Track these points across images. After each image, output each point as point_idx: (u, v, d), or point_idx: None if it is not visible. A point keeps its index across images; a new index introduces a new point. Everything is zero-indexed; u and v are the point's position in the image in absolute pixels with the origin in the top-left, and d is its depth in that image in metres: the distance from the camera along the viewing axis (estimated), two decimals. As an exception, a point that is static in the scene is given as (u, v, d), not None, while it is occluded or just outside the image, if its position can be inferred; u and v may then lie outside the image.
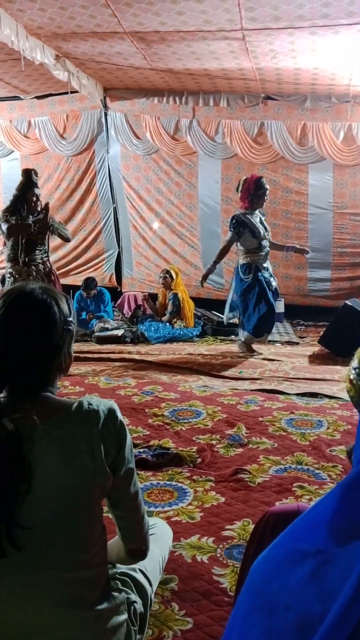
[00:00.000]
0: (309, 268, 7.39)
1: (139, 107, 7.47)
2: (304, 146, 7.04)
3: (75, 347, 5.45)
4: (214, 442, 2.97)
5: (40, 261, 4.96)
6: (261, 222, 5.17)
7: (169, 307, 6.69)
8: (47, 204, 4.96)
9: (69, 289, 7.14)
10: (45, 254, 5.03)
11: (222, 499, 2.31)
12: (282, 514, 1.04)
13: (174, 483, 2.47)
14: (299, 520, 0.65)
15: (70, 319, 1.18)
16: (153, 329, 6.38)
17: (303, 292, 7.49)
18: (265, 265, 5.16)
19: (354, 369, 0.88)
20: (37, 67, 6.07)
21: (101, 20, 4.82)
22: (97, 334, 6.25)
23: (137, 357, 5.28)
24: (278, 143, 7.06)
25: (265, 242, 5.13)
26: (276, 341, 6.15)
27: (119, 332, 6.17)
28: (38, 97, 7.60)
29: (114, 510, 1.24)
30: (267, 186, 5.19)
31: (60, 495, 1.09)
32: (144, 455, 2.68)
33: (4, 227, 4.84)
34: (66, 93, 6.96)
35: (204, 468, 2.64)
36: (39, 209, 4.91)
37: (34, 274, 4.89)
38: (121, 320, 6.78)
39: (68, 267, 8.20)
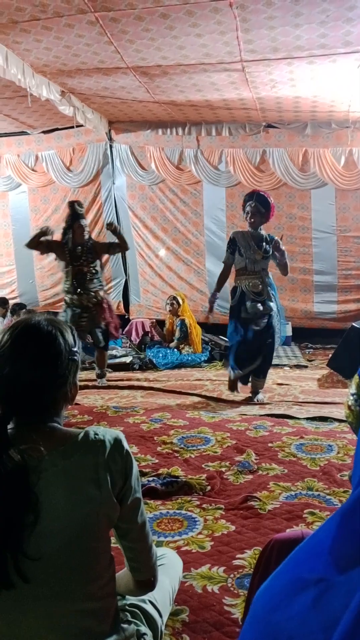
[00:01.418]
0: (315, 291, 7.41)
1: (143, 139, 7.61)
2: (306, 172, 7.12)
3: (84, 375, 5.46)
4: (223, 469, 2.94)
5: (93, 291, 5.03)
6: (260, 242, 4.47)
7: (177, 333, 6.70)
8: (89, 236, 5.06)
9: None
10: (100, 284, 5.12)
11: (233, 527, 2.28)
12: (287, 541, 1.03)
13: (183, 512, 2.44)
14: (301, 547, 0.65)
15: (76, 349, 1.19)
16: (161, 355, 6.39)
17: (310, 315, 7.49)
18: (256, 291, 4.48)
19: (352, 395, 0.89)
20: (43, 103, 6.23)
21: (105, 56, 4.96)
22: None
23: (145, 384, 5.28)
24: (280, 170, 7.15)
25: (252, 264, 4.46)
26: (284, 365, 6.13)
27: (127, 359, 6.18)
28: (45, 132, 7.78)
29: (121, 540, 1.23)
30: (254, 204, 4.46)
31: (67, 526, 1.09)
32: (152, 484, 2.66)
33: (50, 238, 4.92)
34: (72, 127, 7.12)
35: (213, 496, 2.61)
36: (86, 239, 4.99)
37: (85, 302, 5.00)
38: (129, 347, 6.79)
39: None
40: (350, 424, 0.91)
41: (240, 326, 4.49)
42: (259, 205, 4.45)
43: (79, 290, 4.97)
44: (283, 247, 4.49)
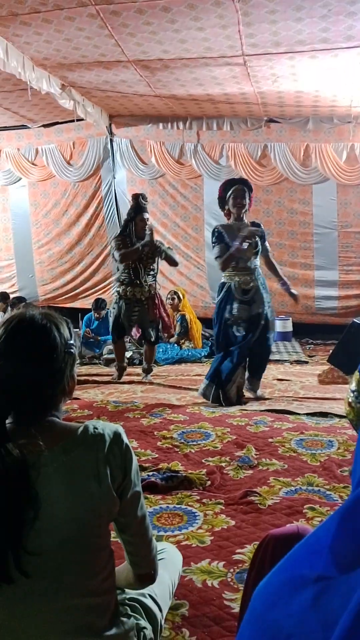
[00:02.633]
0: (316, 286, 7.40)
1: (144, 133, 7.59)
2: (307, 167, 7.10)
3: (84, 369, 5.47)
4: (223, 464, 2.94)
5: (147, 284, 5.08)
6: (249, 236, 4.18)
7: (177, 329, 6.70)
8: (151, 228, 5.06)
9: (77, 313, 7.18)
10: (154, 278, 5.16)
11: (232, 522, 2.28)
12: (282, 536, 1.03)
13: (183, 506, 2.44)
14: (300, 545, 0.65)
15: (72, 342, 1.19)
16: (161, 350, 6.39)
17: (311, 310, 7.48)
18: (246, 288, 4.23)
19: (352, 392, 0.88)
20: (43, 97, 6.21)
21: (105, 50, 4.94)
22: (105, 356, 6.26)
23: (145, 379, 5.28)
24: (282, 165, 7.13)
25: (242, 261, 4.22)
26: (285, 360, 6.12)
27: (128, 354, 6.18)
28: (45, 126, 7.76)
29: (121, 534, 1.23)
30: (240, 187, 4.26)
31: (67, 521, 1.09)
32: (152, 479, 2.66)
33: (117, 255, 5.00)
34: (72, 121, 7.10)
35: (213, 491, 2.61)
36: (147, 233, 5.00)
37: (139, 295, 5.05)
38: (129, 342, 6.79)
39: (76, 291, 8.27)
40: (351, 420, 0.91)
41: (225, 332, 4.26)
42: (245, 188, 4.25)
43: (135, 281, 5.00)
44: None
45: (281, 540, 1.00)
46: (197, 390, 4.74)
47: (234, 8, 4.05)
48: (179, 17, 4.24)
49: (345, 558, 0.57)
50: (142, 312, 5.12)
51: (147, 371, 5.32)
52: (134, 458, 1.19)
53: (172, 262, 5.26)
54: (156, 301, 5.16)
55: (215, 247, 4.29)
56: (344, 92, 5.88)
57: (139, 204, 5.04)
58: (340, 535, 0.59)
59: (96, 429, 1.15)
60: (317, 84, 5.66)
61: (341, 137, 6.88)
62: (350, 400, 0.89)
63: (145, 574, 1.28)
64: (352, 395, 0.88)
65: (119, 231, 5.25)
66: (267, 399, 4.44)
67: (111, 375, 5.42)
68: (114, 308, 5.17)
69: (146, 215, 5.07)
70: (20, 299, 7.62)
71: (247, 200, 4.30)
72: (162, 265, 7.88)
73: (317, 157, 7.00)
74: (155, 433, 3.50)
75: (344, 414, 3.78)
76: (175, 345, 6.60)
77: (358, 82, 5.51)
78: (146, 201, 5.13)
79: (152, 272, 5.14)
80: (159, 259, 5.11)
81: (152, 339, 5.23)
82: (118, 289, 5.16)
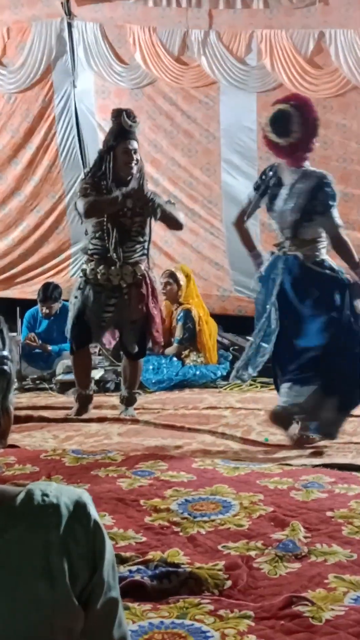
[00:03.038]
0: None
1: (122, 14, 7.60)
2: (390, 68, 7.12)
3: (26, 399, 5.49)
4: (252, 554, 2.94)
5: (131, 262, 5.11)
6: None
7: (177, 332, 6.71)
8: (141, 167, 5.13)
9: (13, 306, 7.19)
10: (143, 252, 5.20)
11: (268, 648, 2.29)
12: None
13: (187, 622, 2.44)
14: None
15: (5, 353, 1.19)
16: (152, 367, 6.40)
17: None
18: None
19: None
20: None
21: None
22: (59, 377, 6.27)
23: (124, 415, 5.29)
24: (348, 64, 7.15)
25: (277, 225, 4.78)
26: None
27: (96, 375, 6.19)
28: None
29: (87, 668, 1.24)
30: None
31: (0, 644, 1.09)
32: (137, 577, 2.67)
33: (81, 204, 4.99)
34: (6, -7, 7.11)
35: (236, 596, 2.62)
36: (133, 173, 5.05)
37: (116, 279, 5.08)
38: (99, 355, 6.80)
39: (13, 271, 8.27)
40: None
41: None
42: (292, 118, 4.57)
43: (111, 254, 5.04)
44: None
45: None
46: (211, 432, 4.79)
47: None
48: None
49: None
50: (121, 307, 5.12)
51: (128, 402, 5.33)
52: (108, 544, 1.19)
53: (174, 224, 5.27)
54: (143, 290, 5.16)
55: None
56: None
57: (122, 125, 5.06)
58: None
59: (46, 496, 1.15)
60: None
61: None
62: None
63: None
64: None
65: (88, 170, 5.29)
66: (323, 447, 4.45)
67: (68, 407, 5.43)
68: (75, 297, 5.18)
69: (134, 145, 5.08)
70: None
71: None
72: (156, 230, 7.94)
73: None
74: (141, 502, 3.49)
75: None
76: (175, 359, 6.60)
77: None
78: (134, 121, 5.13)
79: (140, 242, 5.16)
80: (152, 219, 5.12)
81: (135, 351, 5.24)
82: (85, 267, 5.22)
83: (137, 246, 5.15)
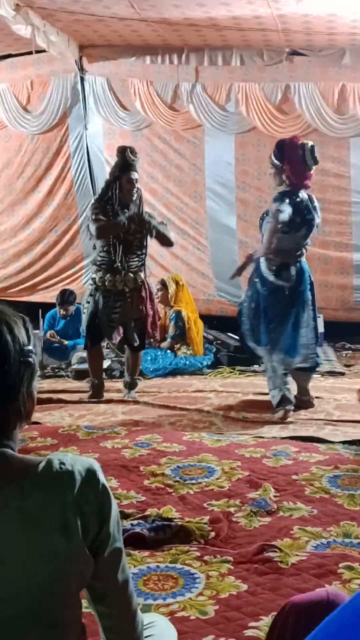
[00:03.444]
0: (355, 273, 7.42)
1: (125, 70, 7.59)
2: (343, 115, 7.12)
3: (46, 384, 5.48)
4: (231, 510, 2.96)
5: (132, 271, 5.11)
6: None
7: (171, 330, 6.71)
8: (140, 194, 5.13)
9: (36, 309, 7.17)
10: (141, 263, 5.17)
11: (244, 587, 2.29)
12: (307, 605, 1.03)
13: (178, 566, 2.45)
14: (334, 619, 0.65)
15: (30, 347, 1.18)
16: (150, 358, 6.39)
17: (348, 305, 7.50)
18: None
19: None
20: (-9, 21, 6.20)
21: None
22: (74, 366, 6.26)
23: (128, 397, 5.28)
24: (309, 111, 7.14)
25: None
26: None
27: (104, 364, 6.17)
28: (-6, 59, 7.75)
29: (96, 605, 1.24)
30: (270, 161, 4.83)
31: (24, 589, 1.09)
32: (138, 530, 2.67)
33: (93, 227, 5.00)
34: (30, 53, 7.07)
35: (218, 545, 2.63)
36: (134, 199, 5.06)
37: (120, 285, 5.07)
38: (107, 348, 6.79)
39: (35, 280, 8.25)
40: None
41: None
42: (271, 157, 4.72)
43: (116, 265, 5.03)
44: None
45: (306, 610, 1.00)
46: (197, 410, 4.78)
47: None
48: None
49: None
50: (125, 308, 5.12)
51: (131, 386, 5.32)
52: (114, 504, 1.19)
53: (166, 242, 5.26)
54: (143, 293, 5.17)
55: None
56: (391, 15, 5.90)
57: (126, 159, 5.05)
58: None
59: (63, 464, 1.15)
60: (355, 5, 5.66)
61: (388, 75, 6.90)
62: None
63: (127, 658, 1.28)
64: None
65: (97, 196, 5.30)
66: (290, 422, 4.45)
67: (82, 391, 5.41)
68: (88, 302, 5.17)
69: (135, 176, 5.08)
70: None
71: (276, 172, 4.74)
72: (152, 245, 7.92)
73: (356, 101, 7.01)
74: (141, 468, 3.51)
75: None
76: (169, 351, 6.60)
77: None
78: (135, 156, 5.13)
79: (139, 254, 5.15)
80: (149, 237, 5.12)
81: (136, 344, 5.23)
82: (94, 276, 5.19)
83: (137, 258, 5.14)
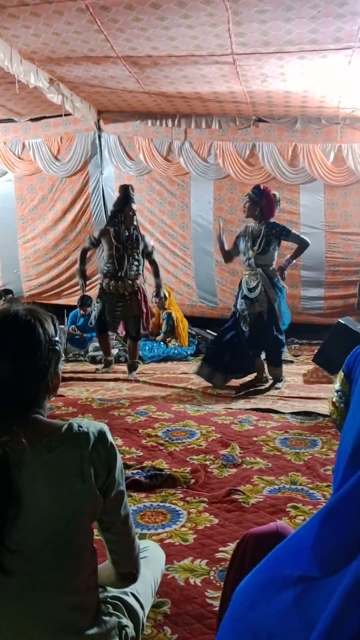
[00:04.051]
0: (302, 286, 7.44)
1: (132, 129, 7.56)
2: (295, 167, 7.12)
3: (69, 366, 5.45)
4: (207, 463, 2.96)
5: (131, 278, 5.11)
6: (256, 238, 4.59)
7: (163, 327, 6.70)
8: (137, 220, 5.20)
9: (62, 309, 7.15)
10: (138, 272, 5.18)
11: (216, 521, 2.29)
12: (261, 535, 1.03)
13: (167, 504, 2.45)
14: (282, 545, 0.65)
15: (57, 338, 1.18)
16: (147, 348, 6.38)
17: (297, 310, 7.50)
18: (249, 287, 4.60)
19: (336, 391, 0.89)
20: (31, 90, 6.15)
21: (94, 45, 4.91)
22: (90, 353, 6.24)
23: (131, 377, 5.27)
24: (270, 164, 7.15)
25: (247, 260, 4.62)
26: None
27: (114, 352, 6.16)
28: (32, 120, 7.68)
29: (104, 533, 1.24)
30: (248, 196, 4.67)
31: (50, 520, 1.09)
32: (137, 477, 2.67)
33: (96, 232, 5.20)
34: (60, 116, 7.04)
35: (197, 489, 2.63)
36: (134, 225, 5.12)
37: (122, 289, 5.10)
38: (115, 340, 6.77)
39: (61, 288, 8.22)
40: (334, 420, 0.91)
41: (234, 322, 4.67)
42: (250, 193, 4.64)
43: (119, 273, 5.04)
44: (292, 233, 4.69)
45: (260, 539, 1.00)
46: (183, 388, 4.78)
47: (224, 7, 4.04)
48: (168, 14, 4.23)
49: (328, 559, 0.57)
50: (126, 308, 5.15)
51: (132, 368, 5.31)
52: (119, 457, 1.19)
53: (155, 270, 5.34)
54: (139, 297, 5.18)
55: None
56: (332, 93, 5.90)
57: (127, 194, 5.08)
58: (322, 536, 0.60)
59: (81, 427, 1.15)
60: (305, 85, 5.67)
61: (329, 138, 6.91)
62: (334, 399, 0.90)
63: (128, 573, 1.28)
64: (335, 395, 0.89)
65: (108, 220, 5.36)
66: (252, 397, 4.46)
67: (97, 373, 5.41)
68: (97, 302, 5.20)
69: (134, 207, 5.14)
70: (6, 291, 7.60)
71: (254, 206, 4.62)
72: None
73: (305, 157, 7.02)
74: (140, 431, 3.50)
75: (328, 414, 3.83)
76: (162, 343, 6.60)
77: (346, 84, 5.54)
78: (133, 192, 5.19)
79: (136, 265, 5.14)
80: (143, 257, 5.15)
81: (134, 334, 5.25)
82: (101, 282, 5.20)
83: (135, 268, 5.14)
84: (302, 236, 4.81)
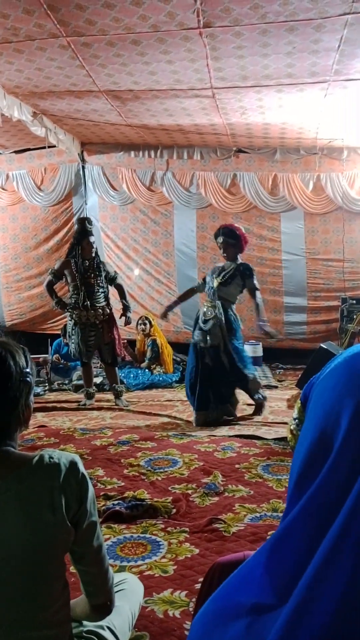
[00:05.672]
0: (285, 312, 7.51)
1: (115, 161, 7.68)
2: (275, 196, 7.27)
3: (52, 396, 5.39)
4: (189, 492, 2.94)
5: (100, 307, 5.13)
6: (222, 271, 4.68)
7: (148, 353, 6.70)
8: (96, 250, 5.24)
9: (46, 338, 7.12)
10: (105, 300, 5.20)
11: (196, 551, 2.27)
12: (228, 563, 1.04)
13: (147, 535, 2.43)
14: (235, 574, 0.66)
15: (28, 370, 1.19)
16: (132, 375, 6.37)
17: (280, 335, 7.56)
18: (206, 318, 4.58)
19: (294, 419, 0.91)
20: (15, 124, 6.25)
21: (77, 79, 5.02)
22: (74, 382, 6.20)
23: (119, 404, 5.23)
24: (250, 193, 7.29)
25: (210, 291, 4.66)
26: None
27: (98, 380, 6.13)
28: (16, 152, 7.78)
29: (76, 565, 1.23)
30: (222, 239, 4.66)
31: (21, 552, 1.08)
32: (117, 508, 2.64)
33: (57, 264, 5.22)
34: (44, 147, 7.14)
35: (178, 519, 2.61)
36: (94, 255, 5.16)
37: (92, 319, 5.12)
38: (100, 368, 6.75)
39: (45, 317, 8.20)
40: (292, 447, 0.93)
41: (193, 352, 4.64)
42: (226, 239, 4.65)
43: (85, 303, 5.06)
44: (253, 277, 4.62)
45: (227, 568, 1.01)
46: (167, 416, 4.78)
47: (202, 43, 4.18)
48: (148, 50, 4.36)
49: (277, 587, 0.59)
50: (98, 336, 5.17)
51: (117, 395, 5.27)
52: (91, 487, 1.19)
53: (121, 292, 5.35)
54: (110, 324, 5.22)
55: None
56: (309, 124, 6.08)
57: (84, 228, 5.15)
58: (270, 564, 0.61)
59: (52, 458, 1.15)
60: (283, 117, 5.84)
61: (307, 168, 7.08)
62: (292, 427, 0.92)
63: (101, 605, 1.27)
64: (293, 422, 0.91)
65: (67, 253, 5.38)
66: (236, 424, 4.45)
67: (80, 401, 5.36)
68: (72, 334, 5.19)
69: (92, 239, 5.17)
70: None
71: (234, 249, 4.66)
72: (133, 290, 7.93)
73: (285, 186, 7.18)
74: (122, 461, 3.47)
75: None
76: (147, 370, 6.58)
77: (323, 115, 5.71)
78: (91, 225, 5.25)
79: (102, 293, 5.17)
80: (107, 283, 5.21)
81: (109, 362, 5.23)
82: (71, 314, 5.20)
83: (101, 295, 5.16)
84: (258, 290, 4.67)
